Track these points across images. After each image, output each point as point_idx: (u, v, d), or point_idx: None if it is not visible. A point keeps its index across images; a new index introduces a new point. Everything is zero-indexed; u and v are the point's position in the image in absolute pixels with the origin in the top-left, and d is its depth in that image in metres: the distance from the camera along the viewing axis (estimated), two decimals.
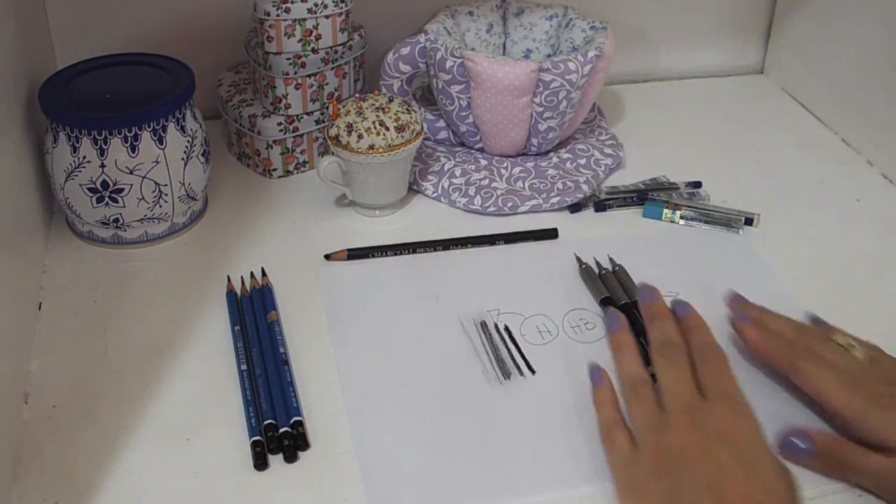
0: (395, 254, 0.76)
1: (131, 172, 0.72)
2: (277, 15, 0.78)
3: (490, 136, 0.85)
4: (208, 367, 0.65)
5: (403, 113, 0.78)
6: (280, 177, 0.86)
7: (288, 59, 0.80)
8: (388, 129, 0.77)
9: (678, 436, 0.52)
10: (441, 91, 0.84)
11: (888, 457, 0.54)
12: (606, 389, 0.60)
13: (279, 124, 0.83)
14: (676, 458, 0.51)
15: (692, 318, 0.62)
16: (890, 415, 0.55)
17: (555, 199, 0.82)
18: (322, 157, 0.81)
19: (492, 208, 0.81)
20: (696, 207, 0.82)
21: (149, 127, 0.72)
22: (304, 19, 0.79)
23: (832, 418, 0.59)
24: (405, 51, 0.84)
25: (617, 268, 0.74)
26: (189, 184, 0.76)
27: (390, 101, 0.79)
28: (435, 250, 0.77)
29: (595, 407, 0.60)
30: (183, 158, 0.74)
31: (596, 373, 0.62)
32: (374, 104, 0.78)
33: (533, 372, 0.65)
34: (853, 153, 0.94)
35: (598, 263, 0.75)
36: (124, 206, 0.73)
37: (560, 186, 0.83)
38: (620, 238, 0.79)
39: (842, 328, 0.64)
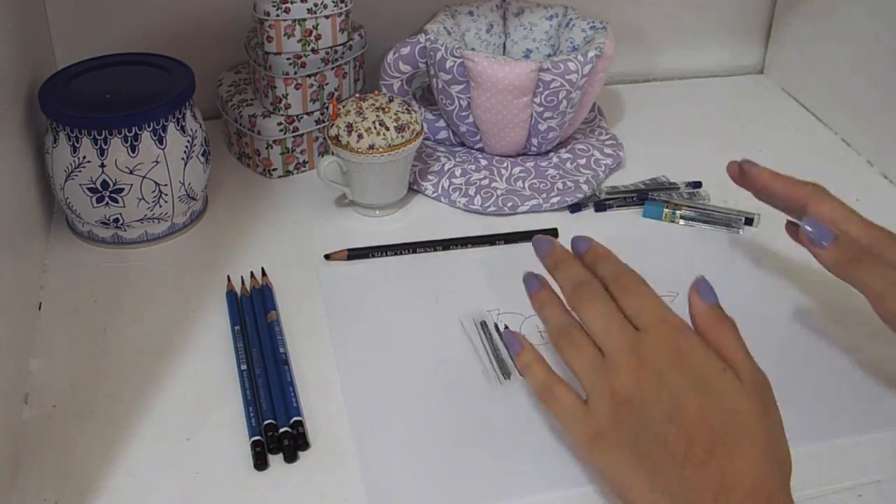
0: (395, 254, 0.76)
1: (131, 172, 0.72)
2: (277, 15, 0.78)
3: (490, 136, 0.85)
4: (208, 367, 0.65)
5: (403, 113, 0.78)
6: (280, 177, 0.86)
7: (288, 59, 0.80)
8: (388, 129, 0.77)
9: (627, 376, 0.50)
10: (441, 91, 0.84)
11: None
12: (528, 350, 0.56)
13: (279, 124, 0.83)
14: (632, 400, 0.49)
15: (595, 249, 0.57)
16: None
17: (555, 199, 0.82)
18: (322, 157, 0.81)
19: (492, 208, 0.81)
20: (696, 207, 0.82)
21: (149, 127, 0.72)
22: (304, 19, 0.80)
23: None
24: (405, 51, 0.84)
25: None
26: (189, 184, 0.76)
27: (390, 101, 0.79)
28: (435, 250, 0.77)
29: (522, 372, 0.56)
30: (183, 158, 0.74)
31: (513, 336, 0.57)
32: (374, 104, 0.78)
33: None
34: (853, 153, 0.94)
35: None
36: (124, 206, 0.73)
37: (560, 186, 0.83)
38: (620, 238, 0.79)
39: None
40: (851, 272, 0.59)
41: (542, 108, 0.82)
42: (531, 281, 0.58)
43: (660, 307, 0.52)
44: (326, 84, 0.84)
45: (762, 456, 0.46)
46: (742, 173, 0.67)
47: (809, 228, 0.60)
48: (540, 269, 0.75)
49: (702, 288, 0.53)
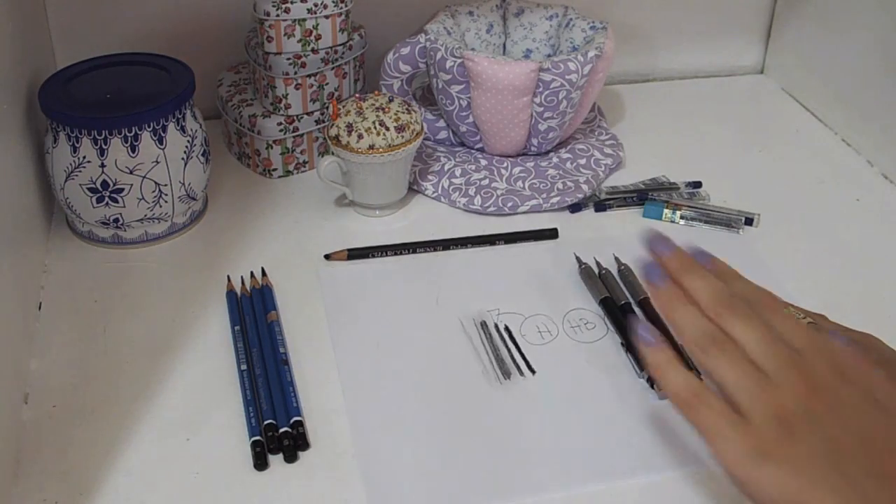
0: (395, 254, 0.76)
1: (131, 172, 0.72)
2: (277, 15, 0.78)
3: (490, 136, 0.85)
4: (208, 367, 0.65)
5: (403, 113, 0.78)
6: (280, 177, 0.86)
7: (288, 59, 0.80)
8: (388, 129, 0.77)
9: (794, 392, 0.46)
10: (441, 91, 0.84)
11: None
12: (663, 347, 0.50)
13: (279, 124, 0.83)
14: (807, 415, 0.45)
15: (719, 265, 0.54)
16: None
17: (555, 199, 0.82)
18: (322, 157, 0.81)
19: (492, 208, 0.81)
20: (696, 207, 0.82)
21: (149, 127, 0.72)
22: (304, 19, 0.80)
23: None
24: (405, 51, 0.84)
25: (622, 267, 0.74)
26: (189, 184, 0.76)
27: (390, 101, 0.79)
28: (435, 250, 0.77)
29: (655, 373, 0.50)
30: (183, 158, 0.74)
31: (646, 328, 0.50)
32: (374, 104, 0.78)
33: (533, 372, 0.65)
34: (853, 153, 0.94)
35: (598, 263, 0.75)
36: (124, 206, 0.73)
37: (560, 186, 0.83)
38: (620, 238, 0.79)
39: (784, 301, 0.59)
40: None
41: (542, 108, 0.82)
42: (653, 272, 0.52)
43: (813, 332, 0.50)
44: (326, 84, 0.84)
45: None
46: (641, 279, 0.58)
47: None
48: (540, 273, 0.76)
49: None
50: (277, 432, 0.59)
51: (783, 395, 0.46)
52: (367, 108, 0.78)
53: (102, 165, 0.71)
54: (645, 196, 0.83)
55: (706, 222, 0.81)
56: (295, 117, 0.84)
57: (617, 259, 0.75)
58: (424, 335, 0.68)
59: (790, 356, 0.48)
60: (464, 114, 0.84)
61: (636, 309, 0.71)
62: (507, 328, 0.69)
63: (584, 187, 0.83)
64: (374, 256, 0.76)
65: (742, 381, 0.47)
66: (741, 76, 1.10)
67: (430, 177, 0.85)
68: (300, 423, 0.60)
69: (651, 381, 0.64)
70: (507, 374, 0.65)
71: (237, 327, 0.68)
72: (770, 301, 0.52)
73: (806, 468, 0.45)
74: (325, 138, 0.86)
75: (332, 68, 0.83)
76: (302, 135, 0.85)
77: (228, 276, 0.73)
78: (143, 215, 0.74)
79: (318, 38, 0.81)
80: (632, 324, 0.52)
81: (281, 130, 0.83)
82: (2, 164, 0.65)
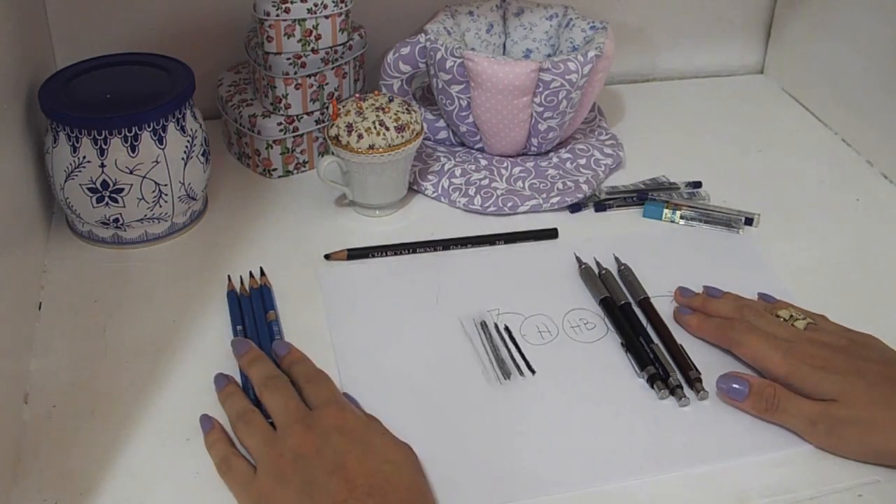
0: (395, 254, 0.76)
1: (131, 172, 0.72)
2: (277, 15, 0.78)
3: (490, 136, 0.85)
4: (208, 367, 0.65)
5: (403, 113, 0.78)
6: (280, 177, 0.86)
7: (288, 59, 0.80)
8: (388, 129, 0.77)
9: (293, 441, 0.55)
10: (441, 91, 0.84)
11: (815, 402, 0.60)
12: (216, 430, 0.59)
13: (279, 124, 0.83)
14: (297, 459, 0.54)
15: (293, 354, 0.64)
16: (819, 373, 0.60)
17: (555, 199, 0.82)
18: (322, 157, 0.81)
19: (492, 208, 0.81)
20: (696, 207, 0.82)
21: (149, 127, 0.72)
22: (304, 19, 0.80)
23: (775, 381, 0.63)
24: (405, 51, 0.84)
25: (622, 267, 0.74)
26: (189, 184, 0.76)
27: (390, 101, 0.79)
28: (435, 250, 0.77)
29: (209, 451, 0.59)
30: (183, 158, 0.74)
31: (206, 421, 0.60)
32: (374, 104, 0.78)
33: (533, 372, 0.65)
34: (853, 153, 0.94)
35: (598, 263, 0.75)
36: (124, 206, 0.73)
37: (560, 186, 0.83)
38: (620, 238, 0.79)
39: (787, 303, 0.69)
40: (770, 418, 0.61)
41: (542, 108, 0.82)
42: (220, 380, 0.63)
43: (337, 395, 0.60)
44: (326, 84, 0.84)
45: (411, 497, 0.52)
46: (675, 317, 0.71)
47: (723, 387, 0.63)
48: (540, 273, 0.76)
49: None
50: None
51: (285, 443, 0.55)
52: (367, 108, 0.78)
53: (102, 165, 0.71)
54: (645, 196, 0.83)
55: (706, 222, 0.81)
56: (295, 117, 0.84)
57: (617, 259, 0.75)
58: (424, 335, 0.68)
59: (301, 413, 0.57)
60: (464, 114, 0.84)
61: (636, 309, 0.71)
62: (507, 328, 0.69)
63: (584, 187, 0.83)
64: (374, 256, 0.76)
65: (257, 442, 0.57)
66: (741, 76, 1.10)
67: (430, 177, 0.85)
68: None
69: (651, 381, 0.64)
70: (507, 375, 0.65)
71: (238, 327, 0.68)
72: (317, 378, 0.61)
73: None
74: (325, 138, 0.86)
75: (332, 68, 0.83)
76: (302, 135, 0.85)
77: (229, 276, 0.73)
78: (143, 215, 0.74)
79: (318, 38, 0.81)
80: (202, 423, 0.61)
81: (281, 130, 0.83)
82: (2, 164, 0.65)
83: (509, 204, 0.81)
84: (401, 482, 0.53)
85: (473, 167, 0.85)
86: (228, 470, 0.56)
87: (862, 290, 0.74)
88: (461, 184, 0.83)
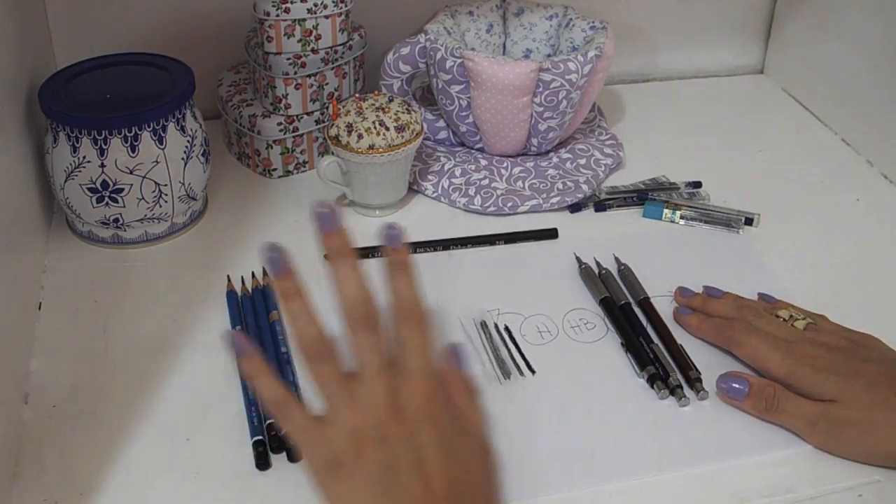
0: None
1: (131, 172, 0.72)
2: (277, 15, 0.78)
3: (490, 136, 0.85)
4: (208, 366, 0.65)
5: (403, 113, 0.78)
6: (280, 177, 0.86)
7: (288, 59, 0.80)
8: (388, 129, 0.77)
9: (374, 414, 0.48)
10: (441, 91, 0.84)
11: (814, 403, 0.60)
12: (255, 358, 0.50)
13: (279, 124, 0.83)
14: (382, 441, 0.47)
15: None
16: (818, 373, 0.60)
17: (555, 199, 0.82)
18: (322, 157, 0.81)
19: (492, 208, 0.81)
20: (696, 207, 0.82)
21: (149, 127, 0.72)
22: (304, 19, 0.80)
23: (775, 381, 0.63)
24: (405, 51, 0.84)
25: (622, 267, 0.74)
26: (189, 184, 0.76)
27: (390, 101, 0.79)
28: (435, 250, 0.77)
29: (248, 380, 0.51)
30: (183, 158, 0.74)
31: (232, 338, 0.51)
32: (374, 104, 0.78)
33: (533, 372, 0.65)
34: (853, 153, 0.94)
35: (598, 263, 0.75)
36: (124, 206, 0.73)
37: (560, 186, 0.83)
38: (620, 238, 0.79)
39: (787, 303, 0.69)
40: (770, 418, 0.62)
41: (542, 108, 0.82)
42: (326, 220, 0.54)
43: (427, 363, 0.52)
44: (326, 84, 0.84)
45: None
46: (675, 317, 0.71)
47: (723, 386, 0.63)
48: (540, 273, 0.75)
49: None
50: (279, 432, 0.59)
51: (364, 413, 0.48)
52: (367, 108, 0.78)
53: (102, 165, 0.71)
54: (645, 196, 0.83)
55: (706, 222, 0.81)
56: (295, 117, 0.84)
57: (617, 259, 0.75)
58: None
59: (385, 382, 0.50)
60: (464, 114, 0.84)
61: (636, 309, 0.71)
62: (507, 328, 0.69)
63: (584, 187, 0.83)
64: (374, 256, 0.76)
65: (332, 393, 0.49)
66: (741, 76, 1.10)
67: (430, 177, 0.85)
68: None
69: (651, 381, 0.64)
70: (507, 374, 0.65)
71: (238, 327, 0.68)
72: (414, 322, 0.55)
73: (366, 486, 0.46)
74: (325, 138, 0.86)
75: (332, 68, 0.83)
76: (302, 135, 0.85)
77: (228, 276, 0.73)
78: (143, 215, 0.74)
79: (318, 38, 0.81)
80: (227, 336, 0.51)
81: (281, 130, 0.83)
82: (2, 164, 0.65)
83: (509, 204, 0.81)
84: (477, 494, 0.48)
85: (473, 167, 0.85)
86: (286, 413, 0.49)
87: (862, 290, 0.74)
88: (461, 184, 0.83)
